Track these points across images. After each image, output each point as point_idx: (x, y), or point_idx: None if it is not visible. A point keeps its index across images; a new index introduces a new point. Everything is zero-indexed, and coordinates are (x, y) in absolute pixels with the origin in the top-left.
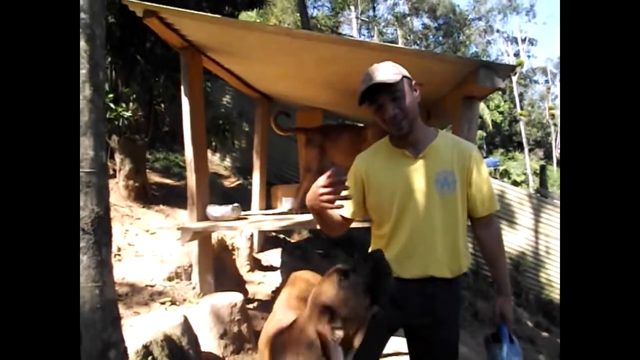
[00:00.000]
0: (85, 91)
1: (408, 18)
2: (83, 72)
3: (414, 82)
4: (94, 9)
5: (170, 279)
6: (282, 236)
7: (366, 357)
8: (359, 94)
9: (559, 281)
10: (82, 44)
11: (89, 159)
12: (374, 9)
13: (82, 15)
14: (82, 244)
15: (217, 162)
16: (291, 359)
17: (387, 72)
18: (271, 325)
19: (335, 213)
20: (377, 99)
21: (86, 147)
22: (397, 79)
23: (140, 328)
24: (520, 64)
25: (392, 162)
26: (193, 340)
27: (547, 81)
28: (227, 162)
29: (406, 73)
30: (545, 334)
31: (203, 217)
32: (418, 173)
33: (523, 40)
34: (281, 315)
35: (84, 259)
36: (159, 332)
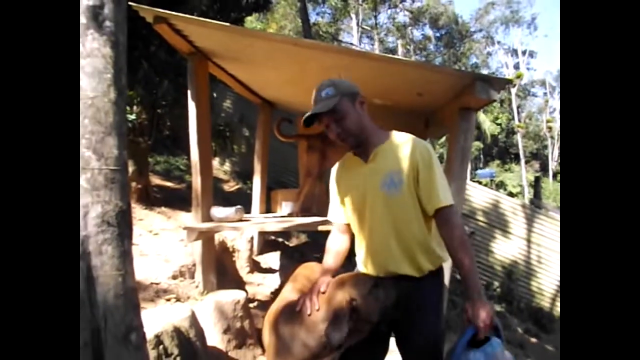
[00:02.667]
0: (110, 94)
1: (409, 28)
2: (108, 76)
3: (360, 97)
4: (118, 18)
5: (174, 277)
6: (280, 240)
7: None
8: (304, 118)
9: (549, 289)
10: (108, 50)
11: (113, 157)
12: (375, 17)
13: (107, 23)
14: (107, 236)
15: (217, 167)
16: (294, 332)
17: (325, 97)
18: (277, 303)
19: (338, 239)
20: (321, 120)
21: (111, 146)
22: (334, 103)
23: (150, 320)
24: (520, 77)
25: (350, 170)
26: (200, 333)
27: (545, 94)
28: (227, 166)
29: (347, 89)
30: (534, 339)
31: (207, 218)
32: (367, 177)
33: (523, 53)
34: (287, 298)
35: (108, 249)
36: (168, 324)
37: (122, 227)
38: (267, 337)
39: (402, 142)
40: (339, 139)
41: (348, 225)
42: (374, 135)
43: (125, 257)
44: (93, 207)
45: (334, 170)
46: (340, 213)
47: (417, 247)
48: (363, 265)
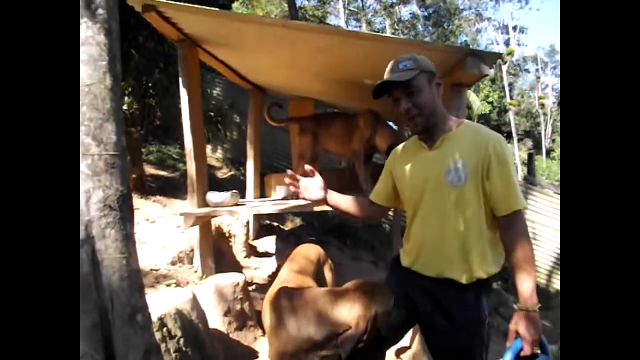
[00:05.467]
0: (106, 81)
1: (396, 7)
2: (103, 63)
3: (437, 79)
4: (110, 5)
5: (173, 263)
6: (276, 224)
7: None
8: (374, 88)
9: (544, 266)
10: (102, 37)
11: (112, 143)
12: None
13: (100, 10)
14: (109, 220)
15: (209, 154)
16: (299, 320)
17: (402, 68)
18: (276, 286)
19: (357, 201)
20: (392, 92)
21: (109, 132)
22: (412, 75)
23: (153, 303)
24: (511, 53)
25: (412, 155)
26: (201, 315)
27: (537, 70)
28: (219, 153)
29: (427, 67)
30: None
31: (203, 203)
32: (430, 164)
33: (514, 29)
34: (285, 280)
35: (111, 232)
36: (171, 307)
37: (123, 211)
38: (267, 318)
39: (474, 131)
40: (407, 115)
41: (381, 207)
42: (444, 122)
43: (128, 240)
44: (95, 192)
45: (393, 152)
46: (382, 195)
47: (473, 247)
48: (408, 256)
